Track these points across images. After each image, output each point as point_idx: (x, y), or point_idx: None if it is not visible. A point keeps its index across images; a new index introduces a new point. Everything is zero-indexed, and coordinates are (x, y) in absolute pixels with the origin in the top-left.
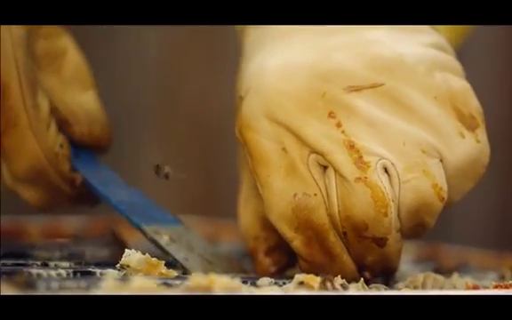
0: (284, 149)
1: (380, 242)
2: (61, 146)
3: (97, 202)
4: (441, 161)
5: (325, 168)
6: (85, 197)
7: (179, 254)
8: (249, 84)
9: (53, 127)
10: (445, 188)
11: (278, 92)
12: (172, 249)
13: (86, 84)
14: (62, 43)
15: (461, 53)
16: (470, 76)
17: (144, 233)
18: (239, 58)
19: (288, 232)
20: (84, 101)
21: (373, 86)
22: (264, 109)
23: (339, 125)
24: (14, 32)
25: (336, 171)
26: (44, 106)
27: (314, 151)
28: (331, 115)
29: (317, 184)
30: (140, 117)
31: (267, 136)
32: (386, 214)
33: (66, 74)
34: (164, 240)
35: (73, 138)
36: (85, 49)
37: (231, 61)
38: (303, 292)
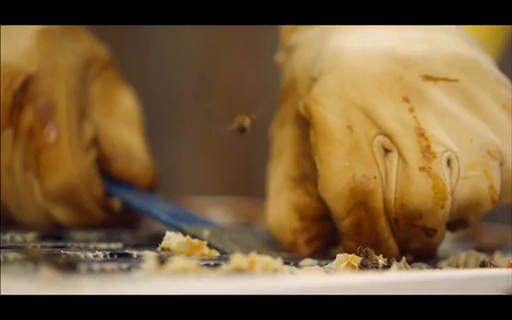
0: (349, 127)
1: (430, 232)
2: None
3: (132, 225)
4: (501, 165)
5: (388, 152)
6: (119, 222)
7: (220, 245)
8: (323, 65)
9: (93, 153)
10: (499, 191)
11: (355, 70)
12: (213, 241)
13: (134, 127)
14: (120, 94)
15: None
16: None
17: (185, 233)
18: (282, 45)
19: (341, 211)
20: (127, 139)
21: (448, 80)
22: (337, 86)
23: (411, 110)
24: (69, 58)
25: (400, 156)
26: (89, 132)
27: (382, 132)
28: (405, 99)
29: (378, 167)
30: (177, 103)
31: (334, 112)
32: (443, 206)
33: (116, 117)
34: (204, 235)
35: (109, 172)
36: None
37: (268, 44)
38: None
